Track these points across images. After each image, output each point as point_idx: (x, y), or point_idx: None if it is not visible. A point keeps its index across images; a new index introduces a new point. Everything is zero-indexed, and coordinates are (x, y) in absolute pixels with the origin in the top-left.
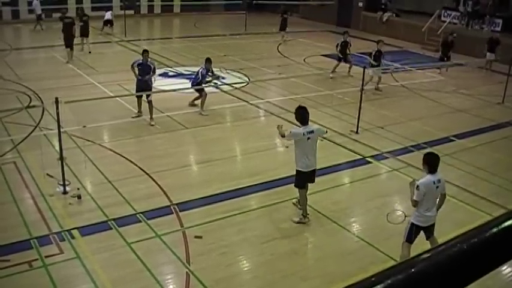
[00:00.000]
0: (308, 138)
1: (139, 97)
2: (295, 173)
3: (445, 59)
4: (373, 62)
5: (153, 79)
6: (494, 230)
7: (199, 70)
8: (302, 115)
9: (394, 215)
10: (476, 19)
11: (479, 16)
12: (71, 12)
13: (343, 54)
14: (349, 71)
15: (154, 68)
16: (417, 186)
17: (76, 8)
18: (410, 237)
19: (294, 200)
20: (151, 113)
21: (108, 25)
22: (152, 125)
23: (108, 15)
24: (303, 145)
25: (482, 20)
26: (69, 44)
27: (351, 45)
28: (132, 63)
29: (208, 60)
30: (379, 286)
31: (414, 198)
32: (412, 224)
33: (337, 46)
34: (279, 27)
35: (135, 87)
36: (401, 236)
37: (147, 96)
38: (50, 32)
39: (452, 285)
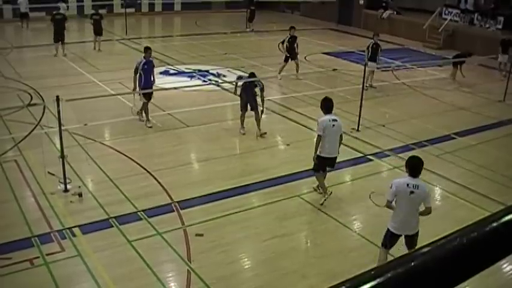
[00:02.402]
0: (333, 125)
1: (149, 101)
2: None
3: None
4: (366, 56)
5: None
6: (494, 224)
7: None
8: (326, 104)
9: (378, 197)
10: (494, 19)
11: (494, 15)
12: (72, 10)
13: (290, 52)
14: (297, 71)
15: (153, 64)
16: (391, 184)
17: (77, 7)
18: (385, 243)
19: (314, 186)
20: (147, 113)
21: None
22: (150, 127)
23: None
24: (328, 131)
25: (486, 18)
26: (59, 38)
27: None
28: (136, 67)
29: (252, 75)
30: (379, 279)
31: (387, 197)
32: (387, 229)
33: (283, 43)
34: (248, 19)
35: (141, 89)
36: None
37: (151, 96)
38: (51, 31)
39: (451, 280)
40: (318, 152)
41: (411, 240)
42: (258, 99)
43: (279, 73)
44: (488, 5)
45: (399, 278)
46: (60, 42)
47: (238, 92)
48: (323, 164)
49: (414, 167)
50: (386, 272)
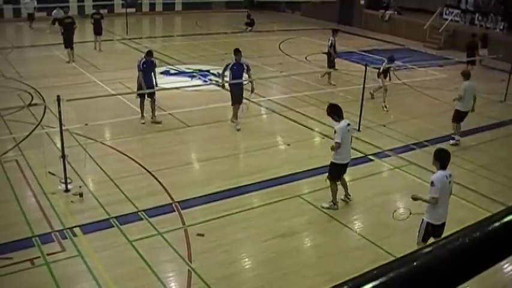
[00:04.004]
0: (348, 130)
1: (144, 99)
2: (329, 164)
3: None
4: (378, 72)
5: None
6: (496, 224)
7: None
8: (337, 110)
9: (399, 212)
10: (506, 20)
11: (504, 16)
12: (73, 10)
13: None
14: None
15: (155, 64)
16: (432, 182)
17: (78, 7)
18: (425, 237)
19: (341, 197)
20: (153, 111)
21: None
22: (159, 123)
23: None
24: (346, 137)
25: (486, 18)
26: (68, 44)
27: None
28: (137, 66)
29: (236, 52)
30: (381, 279)
31: (433, 195)
32: (427, 223)
33: (331, 47)
34: (250, 24)
35: (144, 87)
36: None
37: (153, 94)
38: (51, 31)
39: (454, 280)
40: (335, 160)
41: (442, 228)
42: (245, 93)
43: (329, 81)
44: (489, 5)
45: (401, 278)
46: (70, 48)
47: (227, 85)
48: (340, 172)
49: (445, 159)
50: (389, 272)
